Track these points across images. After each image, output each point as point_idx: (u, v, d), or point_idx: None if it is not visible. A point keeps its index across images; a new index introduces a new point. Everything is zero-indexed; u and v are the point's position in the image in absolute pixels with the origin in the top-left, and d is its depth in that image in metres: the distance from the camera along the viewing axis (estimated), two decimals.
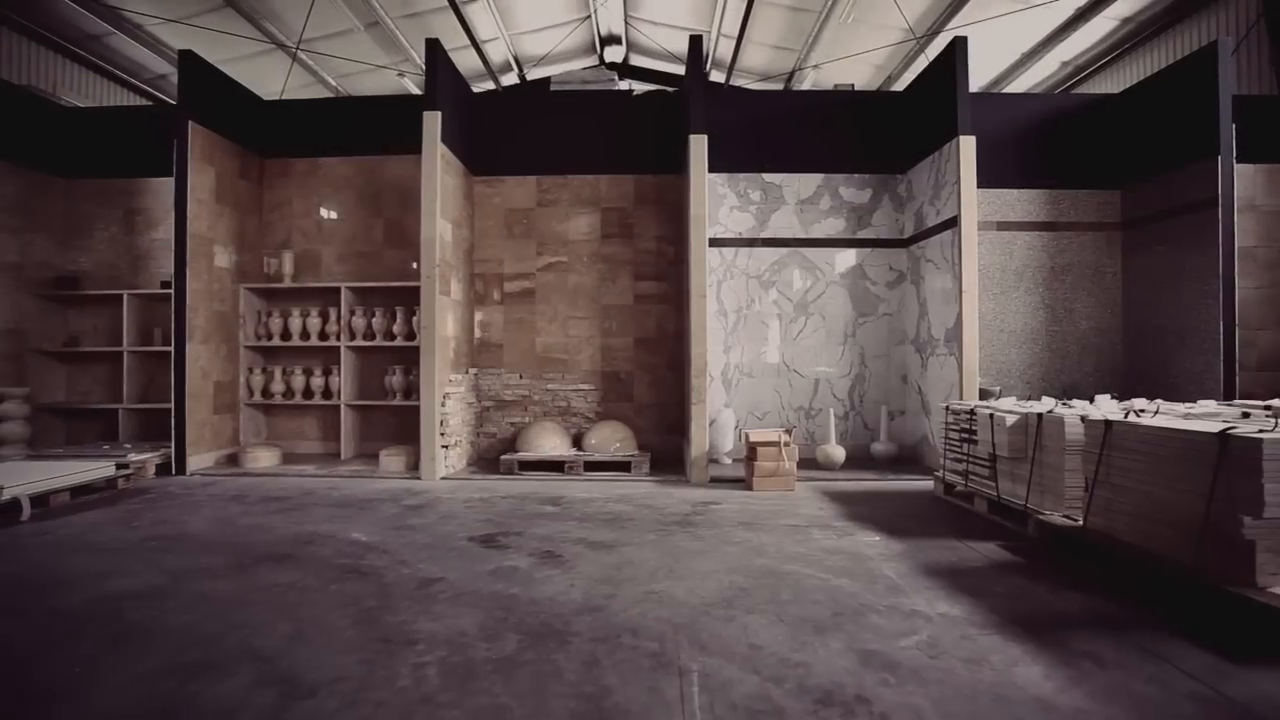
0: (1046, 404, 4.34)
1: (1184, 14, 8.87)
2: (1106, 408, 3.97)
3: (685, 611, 2.79)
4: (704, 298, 5.74)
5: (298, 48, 10.80)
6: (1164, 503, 2.94)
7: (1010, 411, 4.21)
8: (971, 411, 4.61)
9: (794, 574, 3.25)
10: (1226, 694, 2.05)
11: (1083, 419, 3.60)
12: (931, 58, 6.72)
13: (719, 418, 6.80)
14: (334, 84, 12.91)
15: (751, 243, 7.07)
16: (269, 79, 11.14)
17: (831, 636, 2.51)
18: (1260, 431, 2.62)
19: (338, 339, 6.97)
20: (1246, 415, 3.48)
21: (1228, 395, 5.78)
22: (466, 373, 6.87)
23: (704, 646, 2.44)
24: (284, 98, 8.06)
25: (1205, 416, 3.49)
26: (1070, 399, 5.17)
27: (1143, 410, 3.70)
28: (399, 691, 2.11)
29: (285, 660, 2.34)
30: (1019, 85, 11.63)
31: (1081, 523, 3.48)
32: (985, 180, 6.81)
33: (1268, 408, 3.90)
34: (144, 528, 4.24)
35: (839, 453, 6.31)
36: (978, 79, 11.63)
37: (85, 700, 2.07)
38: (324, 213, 7.36)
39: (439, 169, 5.88)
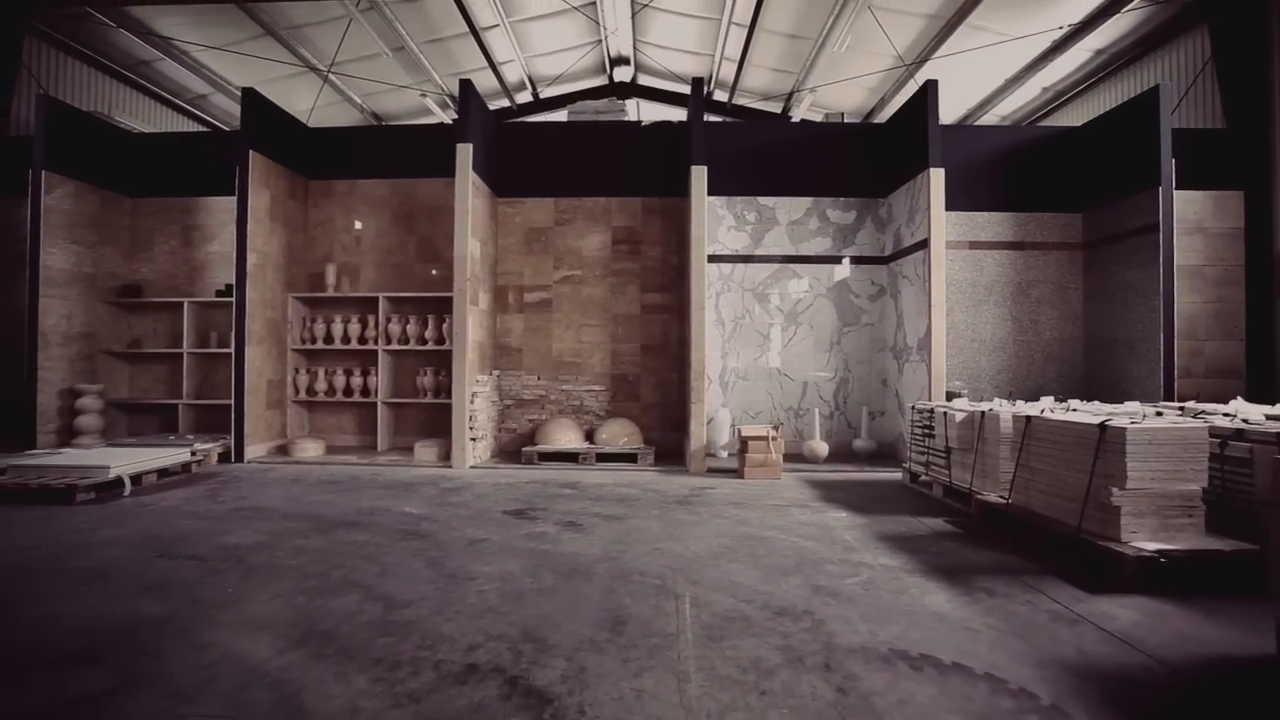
0: (993, 404, 5.09)
1: (1152, 48, 9.62)
2: (1041, 406, 4.72)
3: (682, 561, 3.56)
4: (703, 309, 6.51)
5: (330, 70, 11.66)
6: (1063, 480, 3.69)
7: (961, 410, 4.97)
8: (931, 410, 5.37)
9: (771, 538, 4.02)
10: (1075, 611, 2.82)
11: (1014, 416, 4.35)
12: (921, 81, 7.47)
13: (716, 416, 7.56)
14: (359, 102, 13.76)
15: (748, 259, 7.84)
16: (300, 98, 11.99)
17: (793, 577, 3.28)
18: (1130, 423, 3.37)
19: (375, 343, 7.76)
20: (1160, 414, 4.22)
21: (1167, 397, 6.52)
22: (490, 374, 7.65)
23: (695, 582, 3.21)
24: (325, 125, 8.89)
25: (1124, 414, 4.23)
26: (1039, 401, 5.90)
27: (1055, 408, 4.46)
28: (469, 605, 2.89)
29: (380, 588, 3.13)
30: (1005, 107, 12.39)
31: (1008, 499, 4.23)
32: (959, 204, 7.59)
33: (1180, 408, 4.65)
34: (229, 501, 5.03)
35: (823, 448, 7.06)
36: (966, 102, 12.41)
37: (242, 609, 2.86)
38: (357, 224, 8.16)
39: (469, 194, 6.67)
